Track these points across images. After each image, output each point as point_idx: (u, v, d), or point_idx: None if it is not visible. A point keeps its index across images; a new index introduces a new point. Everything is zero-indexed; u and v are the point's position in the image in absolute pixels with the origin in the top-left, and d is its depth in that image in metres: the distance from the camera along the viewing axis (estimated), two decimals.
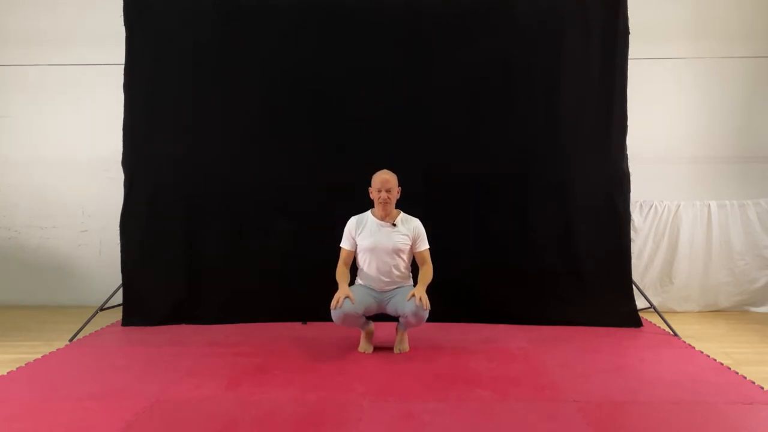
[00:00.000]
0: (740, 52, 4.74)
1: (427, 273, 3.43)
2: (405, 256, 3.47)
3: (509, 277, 4.15)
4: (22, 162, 4.88)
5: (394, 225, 3.44)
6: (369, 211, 3.53)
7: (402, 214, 3.52)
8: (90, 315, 4.02)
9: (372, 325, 3.59)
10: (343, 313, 3.23)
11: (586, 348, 3.59)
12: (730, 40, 4.75)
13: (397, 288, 3.47)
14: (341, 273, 3.43)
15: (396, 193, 3.45)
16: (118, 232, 4.19)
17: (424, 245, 3.50)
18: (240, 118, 4.15)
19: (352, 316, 3.27)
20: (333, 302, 3.23)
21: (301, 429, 2.45)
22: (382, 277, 3.43)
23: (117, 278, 4.22)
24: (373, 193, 3.45)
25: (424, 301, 3.20)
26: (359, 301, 3.31)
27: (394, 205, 3.48)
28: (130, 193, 4.16)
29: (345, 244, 3.52)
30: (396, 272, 3.44)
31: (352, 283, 3.53)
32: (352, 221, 3.51)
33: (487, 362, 3.30)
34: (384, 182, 3.40)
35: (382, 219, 3.45)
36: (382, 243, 3.40)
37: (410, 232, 3.46)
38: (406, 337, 3.56)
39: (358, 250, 3.49)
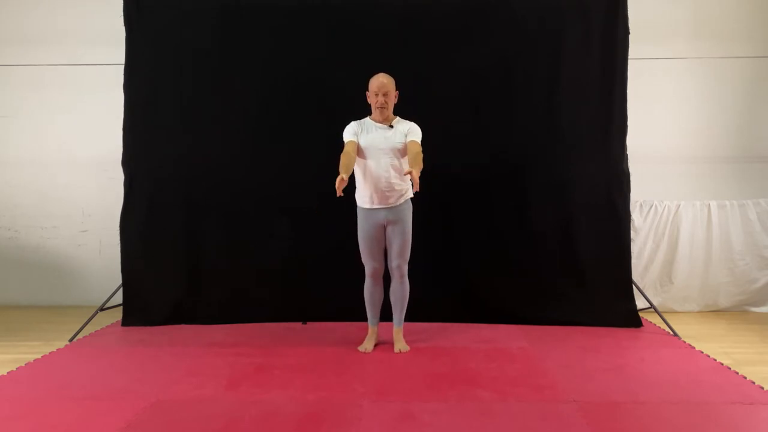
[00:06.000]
0: (740, 52, 4.74)
1: (416, 151, 3.24)
2: (401, 156, 3.40)
3: (509, 277, 4.15)
4: (22, 162, 4.88)
5: (391, 127, 3.41)
6: (367, 117, 3.50)
7: (398, 118, 3.49)
8: (90, 315, 4.02)
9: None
10: (372, 268, 3.51)
11: (586, 348, 3.59)
12: (729, 40, 4.75)
13: (397, 211, 3.42)
14: (347, 155, 3.25)
15: (393, 97, 3.43)
16: (118, 232, 4.19)
17: (415, 137, 3.37)
18: (240, 118, 4.15)
19: (378, 270, 3.51)
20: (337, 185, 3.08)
21: (301, 429, 2.45)
22: (381, 185, 3.35)
23: (117, 278, 4.21)
24: (371, 98, 3.42)
25: (415, 181, 3.07)
26: (375, 252, 3.49)
27: (391, 110, 3.45)
28: (130, 192, 4.16)
29: (350, 138, 3.39)
30: (394, 174, 3.36)
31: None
32: (353, 123, 3.47)
33: (487, 362, 3.30)
34: (381, 86, 3.36)
35: (380, 123, 3.43)
36: (379, 142, 3.36)
37: (406, 131, 3.42)
38: (401, 335, 3.58)
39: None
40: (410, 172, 3.07)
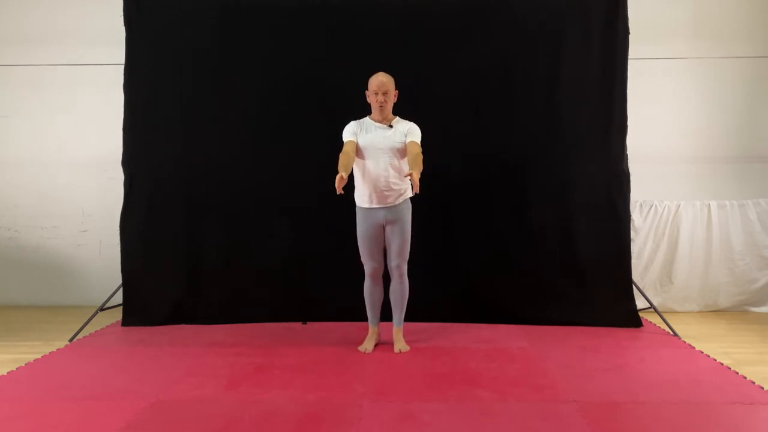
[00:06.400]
0: (740, 52, 4.74)
1: (416, 153, 3.23)
2: (400, 156, 3.39)
3: (509, 277, 4.15)
4: (22, 162, 4.88)
5: (391, 126, 3.41)
6: (366, 117, 3.50)
7: (398, 118, 3.48)
8: (90, 315, 4.02)
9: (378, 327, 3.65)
10: (371, 268, 3.51)
11: (586, 348, 3.59)
12: (729, 40, 4.75)
13: (396, 210, 3.41)
14: (346, 154, 3.24)
15: (393, 96, 3.42)
16: (118, 232, 4.19)
17: (414, 138, 3.36)
18: (240, 118, 4.15)
19: (378, 270, 3.51)
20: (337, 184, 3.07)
21: (301, 429, 2.46)
22: (380, 184, 3.35)
23: (117, 278, 4.21)
24: (370, 97, 3.42)
25: (415, 183, 3.07)
26: (374, 252, 3.49)
27: (390, 109, 3.45)
28: (130, 192, 4.16)
29: (349, 138, 3.38)
30: (393, 174, 3.36)
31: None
32: (352, 123, 3.47)
33: (487, 362, 3.30)
34: (381, 85, 3.35)
35: (379, 122, 3.42)
36: (379, 142, 3.35)
37: (405, 131, 3.41)
38: (401, 335, 3.59)
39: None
40: (410, 174, 3.07)
